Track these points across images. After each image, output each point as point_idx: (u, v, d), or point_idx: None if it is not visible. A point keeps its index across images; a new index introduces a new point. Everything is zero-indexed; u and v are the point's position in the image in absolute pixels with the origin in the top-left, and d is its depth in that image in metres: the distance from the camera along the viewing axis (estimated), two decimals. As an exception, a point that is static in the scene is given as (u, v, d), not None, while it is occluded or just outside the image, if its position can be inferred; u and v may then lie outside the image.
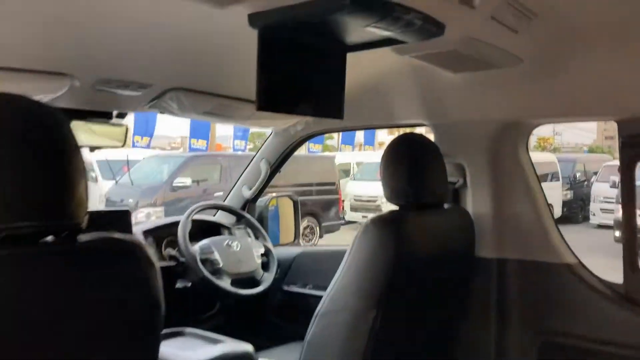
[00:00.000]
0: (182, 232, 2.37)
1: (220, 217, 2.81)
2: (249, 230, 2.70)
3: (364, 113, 2.32)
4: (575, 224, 14.33)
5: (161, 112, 2.14)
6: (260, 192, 2.87)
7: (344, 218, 13.74)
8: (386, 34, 1.30)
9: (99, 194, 12.34)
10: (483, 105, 1.99)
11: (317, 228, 11.90)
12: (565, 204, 15.02)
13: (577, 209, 15.53)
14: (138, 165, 11.51)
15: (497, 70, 1.76)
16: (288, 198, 3.10)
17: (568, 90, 1.79)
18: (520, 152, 2.08)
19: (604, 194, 13.65)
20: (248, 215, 2.72)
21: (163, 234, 2.51)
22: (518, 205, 2.07)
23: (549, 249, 2.01)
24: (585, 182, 16.20)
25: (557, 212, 14.13)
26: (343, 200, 13.62)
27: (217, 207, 2.78)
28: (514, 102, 1.93)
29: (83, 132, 2.00)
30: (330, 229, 12.19)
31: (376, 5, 1.16)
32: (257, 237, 2.68)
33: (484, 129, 2.04)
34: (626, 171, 1.81)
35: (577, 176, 16.23)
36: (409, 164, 1.77)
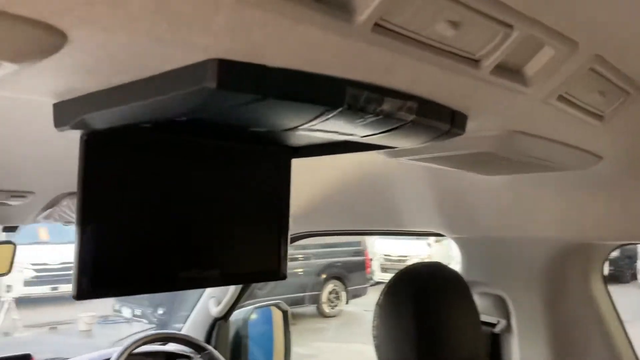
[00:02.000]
0: None
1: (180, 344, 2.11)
2: None
3: (360, 216, 1.64)
4: (623, 283, 13.34)
5: (65, 224, 1.50)
6: (232, 308, 2.17)
7: (372, 279, 12.91)
8: (338, 138, 0.63)
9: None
10: (536, 217, 1.28)
11: (343, 292, 11.14)
12: (611, 262, 13.99)
13: (624, 267, 14.46)
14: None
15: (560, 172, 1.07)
16: (276, 308, 2.39)
17: None
18: (592, 283, 1.36)
19: (652, 251, 12.69)
20: (210, 348, 2.02)
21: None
22: None
23: None
24: (632, 238, 15.16)
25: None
26: (371, 260, 12.84)
27: (166, 339, 2.07)
28: (585, 216, 1.22)
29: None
30: (357, 293, 11.41)
31: (289, 86, 0.49)
32: (223, 377, 1.97)
33: (538, 250, 1.34)
34: None
35: (623, 232, 15.18)
36: (418, 326, 1.07)
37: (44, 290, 10.52)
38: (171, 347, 2.09)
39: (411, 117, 0.59)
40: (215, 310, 2.15)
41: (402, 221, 1.59)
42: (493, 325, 1.44)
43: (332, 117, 0.54)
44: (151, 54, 0.44)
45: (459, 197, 1.36)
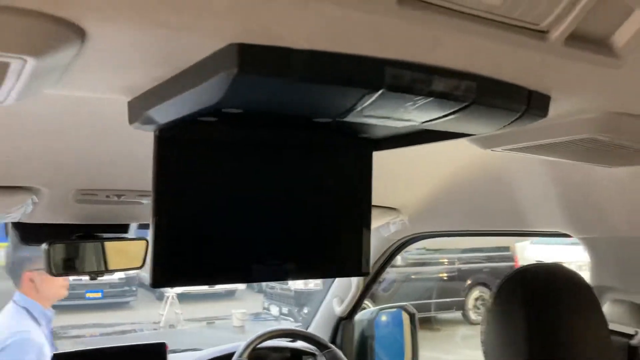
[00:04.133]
0: None
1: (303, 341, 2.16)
2: None
3: (478, 215, 1.56)
4: None
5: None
6: (355, 308, 2.17)
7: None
8: (402, 125, 0.60)
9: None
10: None
11: (490, 299, 10.69)
12: None
13: None
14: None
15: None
16: (403, 311, 2.35)
17: None
18: None
19: None
20: (332, 346, 2.03)
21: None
22: None
23: None
24: None
25: None
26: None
27: (289, 335, 2.12)
28: None
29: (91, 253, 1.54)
30: (506, 301, 10.84)
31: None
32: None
33: None
34: None
35: None
36: (529, 333, 0.99)
37: (201, 287, 11.38)
38: (299, 344, 2.15)
39: (471, 98, 0.54)
40: (339, 310, 2.16)
41: (524, 220, 1.48)
42: (629, 336, 1.29)
43: (375, 100, 0.51)
44: (174, 44, 0.45)
45: (585, 192, 1.24)
